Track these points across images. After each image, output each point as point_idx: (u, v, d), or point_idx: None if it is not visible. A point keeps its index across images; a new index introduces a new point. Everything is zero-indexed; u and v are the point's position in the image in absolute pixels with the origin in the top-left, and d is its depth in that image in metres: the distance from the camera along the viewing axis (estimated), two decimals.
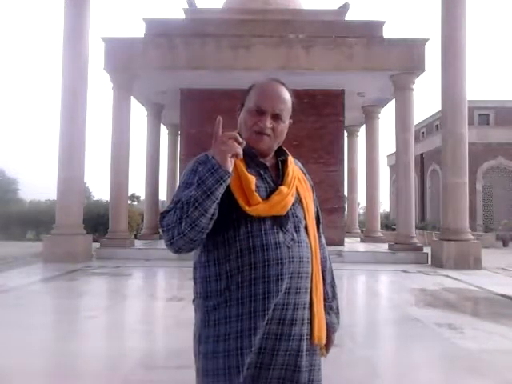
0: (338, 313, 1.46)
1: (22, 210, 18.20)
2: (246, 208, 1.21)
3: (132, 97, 11.81)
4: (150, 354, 3.68)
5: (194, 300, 1.32)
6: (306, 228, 1.30)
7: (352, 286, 8.20)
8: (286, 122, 1.32)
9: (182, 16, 12.67)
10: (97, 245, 10.86)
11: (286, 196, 1.25)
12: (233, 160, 1.15)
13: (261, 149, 1.30)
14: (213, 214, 1.15)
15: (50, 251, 9.49)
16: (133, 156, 12.15)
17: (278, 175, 1.31)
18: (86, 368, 3.40)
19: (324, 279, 1.40)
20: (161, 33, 11.17)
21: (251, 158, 1.30)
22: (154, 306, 5.79)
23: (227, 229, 1.23)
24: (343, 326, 5.01)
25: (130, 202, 16.73)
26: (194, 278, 1.32)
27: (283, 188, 1.26)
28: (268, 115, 1.27)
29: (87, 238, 10.24)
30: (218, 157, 1.12)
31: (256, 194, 1.22)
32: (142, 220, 15.69)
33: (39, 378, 3.17)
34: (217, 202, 1.13)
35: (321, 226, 1.48)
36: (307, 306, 1.26)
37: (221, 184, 1.12)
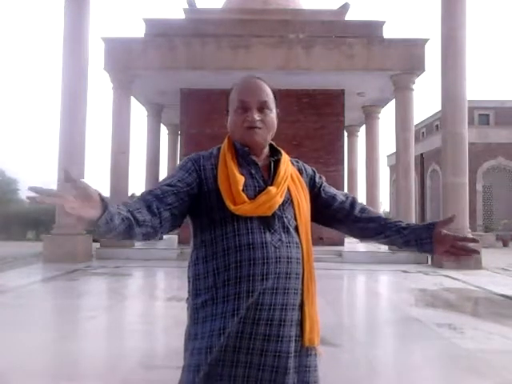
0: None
1: (21, 210, 18.19)
2: (231, 207, 1.21)
3: (132, 97, 11.82)
4: (149, 354, 3.68)
5: (187, 299, 1.33)
6: (297, 228, 1.29)
7: (352, 286, 8.20)
8: (274, 111, 1.33)
9: (182, 16, 12.68)
10: (97, 245, 10.85)
11: (273, 196, 1.24)
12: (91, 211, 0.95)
13: (256, 142, 1.30)
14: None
15: (50, 251, 9.49)
16: (133, 156, 12.14)
17: (270, 175, 1.31)
18: (86, 368, 3.40)
19: (372, 216, 1.41)
20: (161, 33, 11.17)
21: (243, 157, 1.30)
22: (153, 306, 5.79)
23: (215, 227, 1.24)
24: (343, 326, 5.00)
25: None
26: (188, 277, 1.33)
27: (271, 188, 1.25)
28: (254, 109, 1.28)
29: (87, 238, 10.24)
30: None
31: (242, 194, 1.22)
32: None
33: (39, 378, 3.17)
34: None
35: (335, 189, 1.47)
36: (297, 307, 1.25)
37: (109, 226, 1.01)
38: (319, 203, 1.41)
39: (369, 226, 1.41)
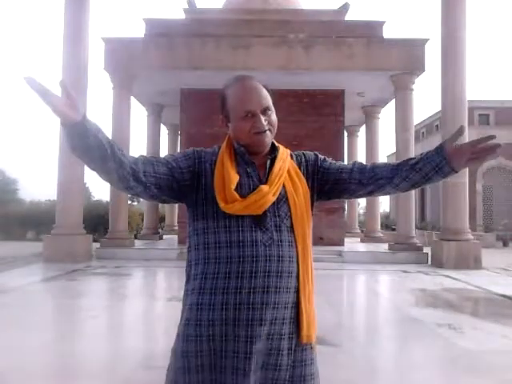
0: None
1: (21, 210, 18.18)
2: (222, 205, 1.23)
3: (132, 97, 11.81)
4: (150, 354, 3.68)
5: None
6: (292, 227, 1.29)
7: (352, 286, 8.20)
8: (273, 109, 1.35)
9: (182, 16, 12.68)
10: (97, 245, 10.86)
11: (264, 195, 1.25)
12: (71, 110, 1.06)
13: (266, 145, 1.32)
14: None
15: (50, 251, 9.49)
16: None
17: (266, 172, 1.32)
18: (86, 368, 3.40)
19: (383, 170, 1.35)
20: (161, 33, 11.17)
21: (241, 156, 1.32)
22: (153, 306, 5.79)
23: (208, 218, 1.27)
24: (343, 326, 4.99)
25: (129, 202, 16.73)
26: None
27: (263, 187, 1.26)
28: (259, 114, 1.29)
29: (87, 238, 10.24)
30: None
31: (234, 193, 1.23)
32: (142, 220, 15.69)
33: (39, 377, 3.17)
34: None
35: (340, 163, 1.44)
36: (289, 305, 1.25)
37: (87, 136, 1.08)
38: (329, 183, 1.39)
39: (384, 183, 1.34)
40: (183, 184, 1.28)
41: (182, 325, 1.27)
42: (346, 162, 1.48)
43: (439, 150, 1.26)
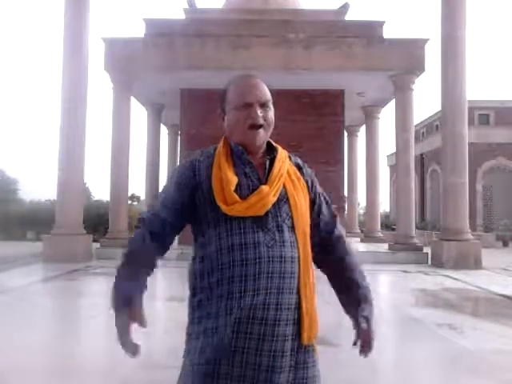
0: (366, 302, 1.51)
1: (21, 210, 18.17)
2: (223, 207, 1.22)
3: (132, 97, 11.81)
4: (150, 354, 3.68)
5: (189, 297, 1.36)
6: (293, 227, 1.28)
7: None
8: (273, 109, 1.34)
9: (182, 16, 12.68)
10: (97, 245, 10.86)
11: (265, 196, 1.24)
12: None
13: (257, 144, 1.31)
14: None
15: (50, 251, 9.48)
16: (133, 156, 12.12)
17: (265, 173, 1.30)
18: (86, 368, 3.40)
19: (352, 269, 1.43)
20: (161, 33, 11.17)
21: (238, 156, 1.31)
22: (153, 307, 5.78)
23: (209, 227, 1.26)
24: (343, 326, 4.99)
25: (130, 202, 16.71)
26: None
27: (264, 188, 1.25)
28: (256, 106, 1.29)
29: (87, 238, 10.24)
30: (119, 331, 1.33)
31: (234, 194, 1.22)
32: None
33: (39, 377, 3.17)
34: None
35: (336, 219, 1.44)
36: (292, 306, 1.24)
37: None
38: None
39: (329, 276, 1.46)
40: (187, 211, 1.31)
41: (188, 339, 1.28)
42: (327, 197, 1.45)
43: (356, 323, 1.50)
